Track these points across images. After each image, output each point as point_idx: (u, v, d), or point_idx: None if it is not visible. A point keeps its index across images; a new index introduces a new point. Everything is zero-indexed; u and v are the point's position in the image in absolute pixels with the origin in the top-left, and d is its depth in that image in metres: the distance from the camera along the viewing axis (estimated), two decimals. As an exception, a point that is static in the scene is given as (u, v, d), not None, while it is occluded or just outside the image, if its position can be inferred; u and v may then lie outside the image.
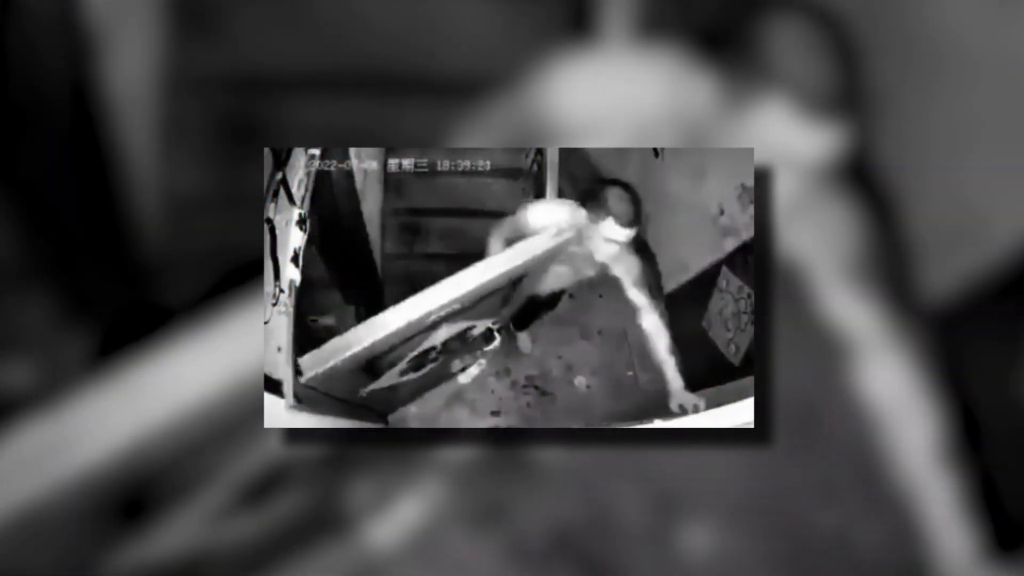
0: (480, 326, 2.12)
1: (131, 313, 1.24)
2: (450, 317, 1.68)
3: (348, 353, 1.41)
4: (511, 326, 2.99)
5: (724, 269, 2.60)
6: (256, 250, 1.31)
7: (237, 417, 1.08)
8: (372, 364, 1.75)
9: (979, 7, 1.23)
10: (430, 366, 2.15)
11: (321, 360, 1.41)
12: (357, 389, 1.91)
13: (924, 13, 1.28)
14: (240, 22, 1.28)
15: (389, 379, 1.97)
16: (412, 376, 2.10)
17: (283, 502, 1.16)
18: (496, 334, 2.29)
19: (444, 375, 2.64)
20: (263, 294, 1.19)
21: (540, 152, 3.26)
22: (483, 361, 2.89)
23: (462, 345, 2.21)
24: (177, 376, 1.04)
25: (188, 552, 1.09)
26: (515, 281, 1.91)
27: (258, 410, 1.12)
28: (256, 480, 1.13)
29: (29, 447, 0.98)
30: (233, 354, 1.07)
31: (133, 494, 1.07)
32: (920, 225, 1.37)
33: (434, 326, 1.68)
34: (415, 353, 1.84)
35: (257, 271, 1.23)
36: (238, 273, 1.18)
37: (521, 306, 2.42)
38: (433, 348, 1.92)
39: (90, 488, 1.00)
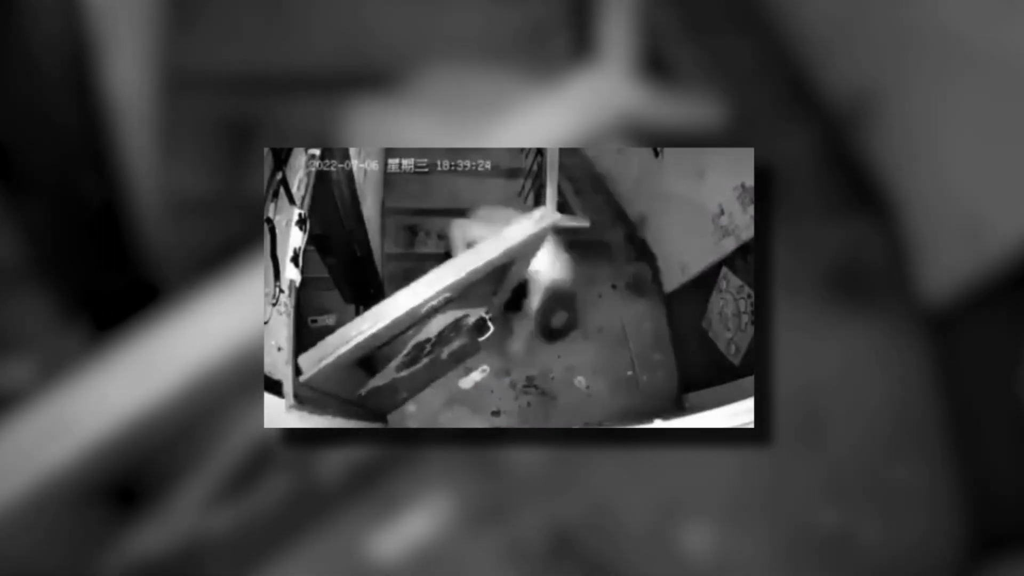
0: (473, 315, 2.12)
1: (127, 294, 1.23)
2: (443, 306, 1.69)
3: (346, 347, 1.42)
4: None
5: (724, 269, 2.60)
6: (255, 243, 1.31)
7: (231, 397, 1.07)
8: (369, 359, 1.75)
9: (980, 7, 1.23)
10: (425, 359, 2.15)
11: (320, 356, 1.41)
12: (356, 388, 1.91)
13: (924, 13, 1.28)
14: (239, 22, 1.28)
15: (386, 375, 1.97)
16: (408, 371, 2.11)
17: (277, 496, 1.16)
18: (489, 323, 2.30)
19: (439, 372, 2.65)
20: (260, 275, 1.17)
21: (540, 152, 3.26)
22: (486, 368, 2.90)
23: (456, 335, 2.21)
24: (171, 357, 1.03)
25: (183, 540, 1.09)
26: (503, 268, 1.92)
27: (254, 386, 1.11)
28: (248, 463, 1.13)
29: (26, 434, 0.98)
30: (228, 333, 1.06)
31: (129, 478, 1.07)
32: (920, 225, 1.37)
33: (428, 316, 1.69)
34: (411, 345, 1.85)
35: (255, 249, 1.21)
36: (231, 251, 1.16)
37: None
38: (428, 340, 1.93)
39: (86, 473, 0.99)
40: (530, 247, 1.90)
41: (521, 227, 1.76)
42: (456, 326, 2.06)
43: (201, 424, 1.08)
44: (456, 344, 2.40)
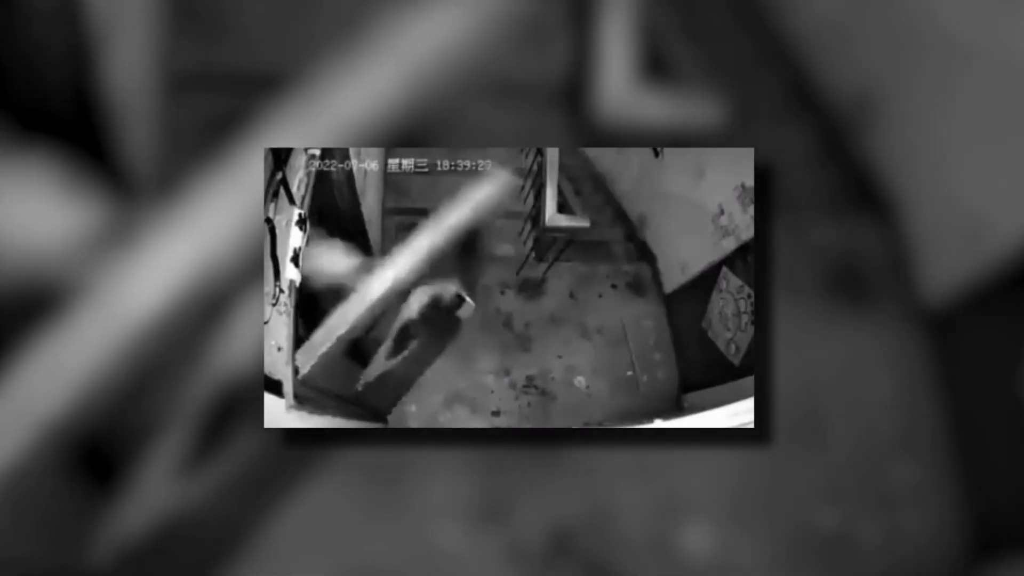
0: (446, 293, 2.19)
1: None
2: (415, 283, 1.86)
3: (336, 335, 1.48)
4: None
5: (724, 269, 2.60)
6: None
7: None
8: (359, 348, 1.81)
9: (980, 7, 1.23)
10: (412, 344, 2.23)
11: (314, 349, 1.46)
12: (352, 382, 1.95)
13: (924, 13, 1.28)
14: (239, 21, 1.28)
15: (378, 364, 2.03)
16: (398, 358, 2.16)
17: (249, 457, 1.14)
18: (468, 299, 2.33)
19: (428, 358, 2.72)
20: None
21: (540, 152, 3.26)
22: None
23: (437, 314, 2.27)
24: (137, 286, 0.96)
25: (159, 517, 1.07)
26: (468, 242, 2.04)
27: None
28: (217, 412, 1.07)
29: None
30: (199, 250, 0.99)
31: (97, 436, 1.01)
32: (920, 225, 1.37)
33: (404, 295, 1.84)
34: (396, 327, 1.97)
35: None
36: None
37: None
38: (411, 320, 2.03)
39: (51, 439, 0.94)
40: (492, 209, 2.05)
41: (482, 192, 1.92)
42: (435, 306, 2.17)
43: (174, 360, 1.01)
44: (438, 324, 2.52)
